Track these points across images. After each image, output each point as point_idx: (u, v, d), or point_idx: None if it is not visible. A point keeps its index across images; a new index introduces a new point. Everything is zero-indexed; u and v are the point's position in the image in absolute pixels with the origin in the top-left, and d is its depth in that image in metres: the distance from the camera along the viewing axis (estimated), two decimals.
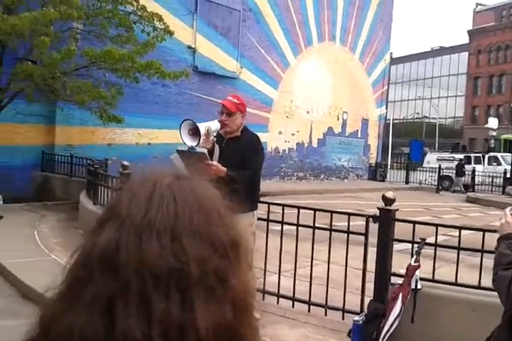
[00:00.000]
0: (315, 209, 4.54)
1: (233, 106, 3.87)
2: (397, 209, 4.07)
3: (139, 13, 10.50)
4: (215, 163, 3.59)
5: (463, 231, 3.89)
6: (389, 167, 27.73)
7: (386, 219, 4.02)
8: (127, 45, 10.29)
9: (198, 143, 3.60)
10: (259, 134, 4.26)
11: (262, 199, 4.36)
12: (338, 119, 23.33)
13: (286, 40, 20.32)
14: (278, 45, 19.97)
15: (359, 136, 24.62)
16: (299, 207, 4.62)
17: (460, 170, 22.67)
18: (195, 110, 15.17)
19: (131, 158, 10.12)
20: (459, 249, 3.88)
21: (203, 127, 3.64)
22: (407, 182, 24.17)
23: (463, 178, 22.66)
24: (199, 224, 0.60)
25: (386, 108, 28.16)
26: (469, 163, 24.25)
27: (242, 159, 3.72)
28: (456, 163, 23.81)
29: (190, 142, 3.60)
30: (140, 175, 0.67)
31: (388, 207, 4.03)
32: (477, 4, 54.92)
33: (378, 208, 4.08)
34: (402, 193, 17.05)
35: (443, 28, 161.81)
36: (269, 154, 18.26)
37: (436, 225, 4.04)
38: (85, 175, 9.71)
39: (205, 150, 3.57)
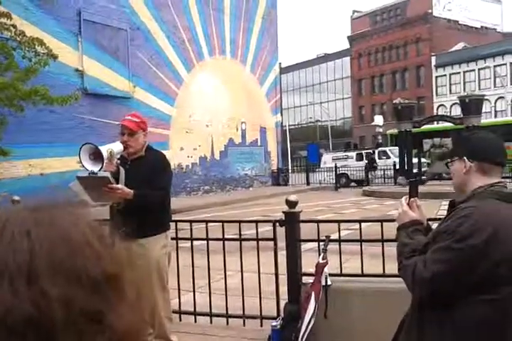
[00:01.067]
0: (223, 221, 4.61)
1: (134, 125, 3.71)
2: (300, 211, 4.20)
3: (18, 39, 10.03)
4: (119, 186, 3.42)
5: (362, 224, 4.12)
6: (290, 171, 28.73)
7: (291, 221, 4.14)
8: (8, 73, 9.79)
9: (102, 167, 3.43)
10: None
11: None
12: (237, 130, 23.66)
13: (178, 57, 20.30)
14: (170, 61, 19.89)
15: (259, 144, 25.12)
16: (207, 221, 4.60)
17: (371, 165, 23.98)
18: (88, 134, 14.64)
19: (24, 192, 9.60)
20: (361, 241, 4.08)
21: (104, 150, 3.45)
22: (308, 183, 25.29)
23: (375, 172, 24.04)
24: (61, 258, 0.52)
25: (281, 115, 29.02)
26: (361, 159, 25.72)
27: (149, 179, 3.56)
28: (349, 160, 25.72)
29: (92, 167, 3.41)
30: None
31: (292, 210, 4.15)
32: (354, 11, 58.88)
33: (283, 212, 4.20)
34: (305, 194, 17.66)
35: (326, 36, 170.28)
36: (172, 171, 18.05)
37: (338, 221, 4.27)
38: None
39: (108, 174, 3.40)
